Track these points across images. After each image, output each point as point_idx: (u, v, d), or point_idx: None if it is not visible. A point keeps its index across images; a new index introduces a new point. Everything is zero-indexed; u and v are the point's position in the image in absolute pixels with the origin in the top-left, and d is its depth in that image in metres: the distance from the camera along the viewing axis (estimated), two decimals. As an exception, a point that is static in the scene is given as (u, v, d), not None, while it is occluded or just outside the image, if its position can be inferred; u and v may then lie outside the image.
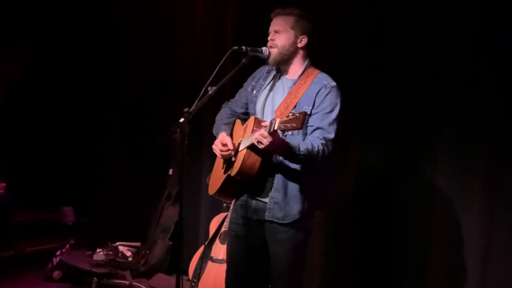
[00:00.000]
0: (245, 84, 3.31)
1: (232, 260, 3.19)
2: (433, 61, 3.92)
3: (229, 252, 3.22)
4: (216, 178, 3.18)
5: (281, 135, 2.72)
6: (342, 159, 4.22)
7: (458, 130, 3.84)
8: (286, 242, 2.99)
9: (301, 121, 2.55)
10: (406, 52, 4.01)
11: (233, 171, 2.92)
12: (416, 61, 3.98)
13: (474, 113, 3.76)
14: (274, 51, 3.05)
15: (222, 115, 3.31)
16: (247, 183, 2.97)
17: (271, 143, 2.67)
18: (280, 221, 2.98)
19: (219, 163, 3.21)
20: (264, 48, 3.06)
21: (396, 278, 4.09)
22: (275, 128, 2.62)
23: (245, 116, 3.24)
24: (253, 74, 3.29)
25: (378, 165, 4.22)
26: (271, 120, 2.68)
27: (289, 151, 2.79)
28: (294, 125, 2.57)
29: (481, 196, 3.73)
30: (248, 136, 2.88)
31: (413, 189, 4.04)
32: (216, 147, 3.08)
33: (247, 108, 3.25)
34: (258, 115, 3.10)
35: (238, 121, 3.22)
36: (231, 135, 3.16)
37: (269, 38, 3.08)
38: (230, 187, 3.07)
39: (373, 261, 4.19)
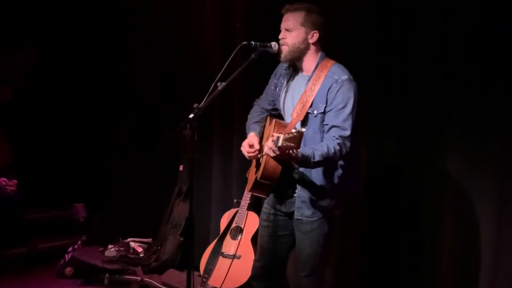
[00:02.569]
0: (269, 81, 3.31)
1: (260, 249, 3.23)
2: (445, 55, 3.89)
3: (259, 241, 3.27)
4: (251, 176, 3.24)
5: None
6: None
7: (469, 124, 3.82)
8: (311, 233, 3.03)
9: (298, 141, 2.57)
10: (417, 46, 3.99)
11: (258, 175, 2.97)
12: (428, 55, 3.95)
13: (486, 106, 3.74)
14: (285, 49, 3.04)
15: (253, 114, 3.31)
16: (274, 185, 3.00)
17: (279, 156, 2.68)
18: (310, 218, 3.01)
19: (254, 162, 3.25)
20: (273, 43, 3.05)
21: (408, 271, 4.07)
22: (279, 145, 2.61)
23: (274, 112, 3.26)
24: (275, 71, 3.28)
25: (389, 159, 4.21)
26: (278, 135, 2.64)
27: (303, 161, 2.79)
28: (292, 145, 2.58)
29: (492, 190, 3.72)
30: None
31: (425, 183, 4.02)
32: (244, 148, 3.08)
33: (274, 105, 3.26)
34: (282, 112, 3.14)
35: (268, 119, 3.23)
36: (262, 132, 3.18)
37: (280, 36, 3.06)
38: (260, 188, 3.10)
39: (384, 255, 4.18)
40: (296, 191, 3.01)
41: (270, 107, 3.27)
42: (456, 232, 3.88)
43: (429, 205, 4.00)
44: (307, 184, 2.98)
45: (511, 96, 3.62)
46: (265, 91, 3.33)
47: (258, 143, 3.06)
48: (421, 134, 4.03)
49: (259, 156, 3.04)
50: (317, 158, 2.77)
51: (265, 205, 3.24)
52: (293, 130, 2.60)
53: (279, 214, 3.13)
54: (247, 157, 3.08)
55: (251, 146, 3.04)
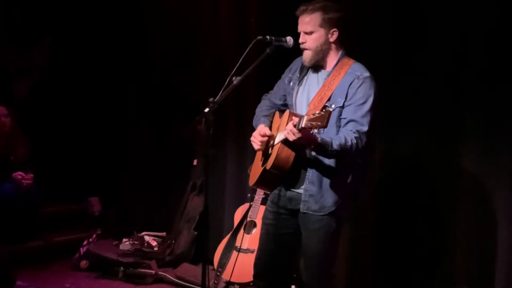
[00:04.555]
0: (283, 76, 3.29)
1: (262, 248, 3.20)
2: (461, 51, 3.88)
3: (260, 240, 3.24)
4: (256, 170, 3.19)
5: (314, 131, 2.70)
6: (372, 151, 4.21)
7: (485, 121, 3.81)
8: (319, 231, 2.99)
9: (326, 120, 2.54)
10: (434, 43, 3.98)
11: (268, 165, 2.93)
12: (445, 50, 3.94)
13: (502, 103, 3.73)
14: (308, 53, 3.01)
15: (262, 107, 3.29)
16: (283, 176, 2.96)
17: (300, 139, 2.67)
18: (316, 213, 2.98)
19: (258, 155, 3.22)
20: (288, 38, 3.04)
21: (423, 267, 4.07)
22: (303, 126, 2.61)
23: (284, 108, 3.21)
24: (290, 66, 3.26)
25: (405, 156, 4.20)
26: (301, 116, 2.66)
27: (321, 147, 2.77)
28: (319, 123, 2.56)
29: (508, 187, 3.70)
30: (283, 130, 2.86)
31: (440, 180, 4.02)
32: (255, 138, 3.06)
33: (285, 100, 3.23)
34: (294, 107, 3.10)
35: (277, 114, 3.21)
36: (270, 127, 3.15)
37: (300, 40, 3.03)
38: (267, 180, 3.06)
39: (400, 252, 4.18)
40: (304, 185, 2.98)
41: (280, 102, 3.25)
42: (472, 227, 3.87)
43: (445, 201, 3.99)
44: (317, 177, 2.96)
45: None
46: (276, 85, 3.31)
47: (270, 133, 3.04)
48: (438, 130, 4.02)
49: (269, 145, 3.02)
50: (335, 147, 2.76)
51: (268, 202, 3.20)
52: (317, 112, 2.58)
53: (283, 212, 3.10)
54: (257, 147, 3.06)
55: (263, 135, 3.02)
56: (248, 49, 2.99)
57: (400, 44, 4.13)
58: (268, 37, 3.02)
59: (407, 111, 4.13)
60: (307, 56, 3.01)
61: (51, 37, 6.30)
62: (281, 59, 3.28)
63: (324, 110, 2.58)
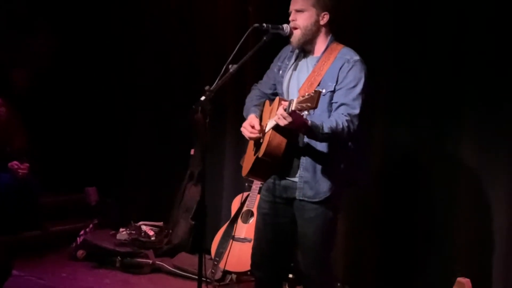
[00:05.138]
0: (271, 65, 3.27)
1: (259, 238, 3.19)
2: (460, 40, 3.87)
3: (256, 229, 3.22)
4: (248, 160, 3.17)
5: (304, 115, 2.68)
6: (368, 137, 4.20)
7: (484, 109, 3.81)
8: (315, 219, 2.97)
9: (316, 100, 2.52)
10: (432, 32, 3.97)
11: (260, 153, 2.91)
12: (443, 40, 3.93)
13: (500, 92, 3.72)
14: (297, 33, 2.99)
15: (252, 97, 3.27)
16: (275, 164, 2.94)
17: (290, 123, 2.65)
18: (311, 200, 2.96)
19: (251, 145, 3.20)
20: (285, 25, 3.01)
21: (422, 258, 4.07)
22: (293, 108, 2.60)
23: (274, 97, 3.19)
24: (279, 55, 3.25)
25: (404, 145, 4.20)
26: (290, 100, 2.66)
27: (313, 131, 2.75)
28: (309, 104, 2.54)
29: (507, 173, 3.70)
30: (274, 117, 2.85)
31: (439, 169, 4.02)
32: (245, 129, 3.05)
33: (275, 89, 3.21)
34: (285, 95, 3.07)
35: (267, 102, 3.19)
36: (260, 116, 3.13)
37: (290, 18, 3.01)
38: (260, 169, 3.03)
39: (398, 241, 4.18)
40: (299, 172, 2.97)
41: (270, 91, 3.24)
42: (471, 217, 3.87)
43: (444, 190, 3.99)
44: (311, 164, 2.95)
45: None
46: (266, 75, 3.29)
47: (259, 124, 3.03)
48: (436, 118, 4.01)
49: (260, 136, 3.01)
50: (326, 130, 2.74)
51: (263, 192, 3.18)
52: (307, 93, 2.57)
53: (279, 201, 3.08)
54: (248, 137, 3.05)
55: (252, 126, 3.01)
56: (244, 37, 2.96)
57: (400, 34, 4.12)
58: (264, 25, 2.99)
59: (405, 98, 4.13)
60: (295, 35, 3.00)
61: (51, 26, 6.25)
62: (279, 47, 3.26)
63: (314, 91, 2.56)
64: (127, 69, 6.11)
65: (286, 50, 3.20)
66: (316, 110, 2.62)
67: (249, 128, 3.02)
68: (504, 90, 3.70)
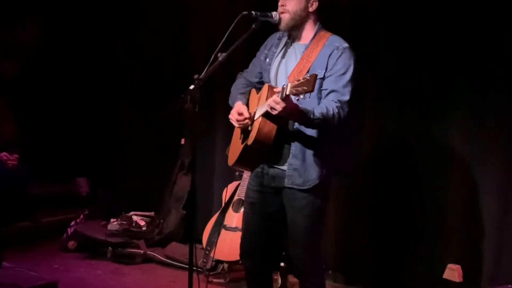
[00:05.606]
0: (258, 53, 3.26)
1: (247, 227, 3.18)
2: (449, 29, 3.88)
3: (245, 219, 3.21)
4: (235, 148, 3.15)
5: (294, 100, 2.68)
6: (358, 126, 4.21)
7: (473, 96, 3.82)
8: (304, 208, 2.98)
9: (312, 84, 2.52)
10: (422, 21, 3.98)
11: (250, 140, 2.89)
12: (433, 29, 3.95)
13: (490, 77, 3.74)
14: (285, 17, 2.98)
15: (238, 85, 3.25)
16: (264, 152, 2.93)
17: (284, 108, 2.65)
18: (300, 187, 2.96)
19: (237, 134, 3.18)
20: (274, 13, 3.00)
21: (412, 243, 4.09)
22: (287, 93, 2.59)
23: (260, 86, 3.18)
24: (265, 42, 3.24)
25: (393, 133, 4.21)
26: (283, 85, 2.65)
27: (304, 116, 2.75)
28: (305, 88, 2.53)
29: (497, 161, 3.73)
30: (263, 104, 2.83)
31: (429, 156, 4.04)
32: (232, 116, 3.04)
33: (261, 77, 3.20)
34: (272, 83, 3.06)
35: (253, 91, 3.18)
36: (247, 105, 3.11)
37: (279, 3, 3.01)
38: (248, 157, 3.02)
39: (389, 227, 4.20)
40: (288, 159, 2.96)
41: (256, 80, 3.22)
42: (461, 204, 3.89)
43: (435, 176, 4.01)
44: (301, 151, 2.94)
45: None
46: (251, 63, 3.28)
47: (247, 111, 3.01)
48: (426, 109, 4.04)
49: (248, 123, 2.99)
50: (317, 115, 2.75)
51: (250, 181, 3.17)
52: (302, 77, 2.56)
53: (267, 190, 3.07)
54: (236, 125, 3.05)
55: (240, 114, 3.00)
56: (233, 24, 2.94)
57: (390, 23, 4.13)
58: (253, 12, 2.97)
59: (395, 85, 4.14)
60: (284, 20, 2.99)
61: (39, 16, 6.19)
62: (268, 35, 3.24)
63: (308, 75, 2.56)
64: (116, 59, 6.07)
65: (272, 38, 3.19)
66: (306, 97, 2.62)
67: (236, 115, 3.01)
68: (493, 79, 3.72)
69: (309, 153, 2.94)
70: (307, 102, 2.77)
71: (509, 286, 3.39)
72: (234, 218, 4.45)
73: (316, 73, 2.60)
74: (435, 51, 3.95)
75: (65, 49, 6.30)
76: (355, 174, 4.25)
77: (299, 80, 2.56)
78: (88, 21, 6.20)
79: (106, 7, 6.10)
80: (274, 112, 2.67)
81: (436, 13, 3.92)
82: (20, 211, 5.20)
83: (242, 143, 3.03)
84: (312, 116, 2.75)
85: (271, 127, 2.84)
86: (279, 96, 2.63)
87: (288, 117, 2.82)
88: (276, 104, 2.65)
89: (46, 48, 6.23)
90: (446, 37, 3.89)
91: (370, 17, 4.21)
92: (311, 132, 2.93)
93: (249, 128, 2.97)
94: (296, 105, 2.70)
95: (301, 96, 2.59)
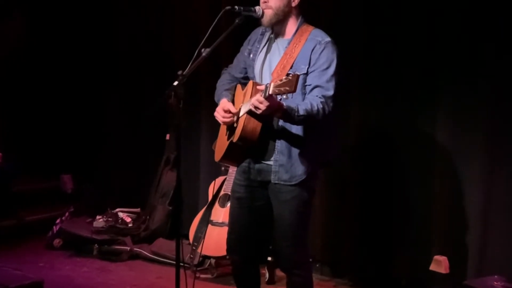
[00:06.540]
0: (241, 49, 3.25)
1: (234, 222, 3.17)
2: (434, 20, 3.89)
3: (231, 214, 3.20)
4: (221, 144, 3.15)
5: (278, 99, 2.67)
6: (343, 119, 4.21)
7: (459, 88, 3.84)
8: (291, 201, 2.97)
9: (295, 84, 2.53)
10: (407, 12, 3.98)
11: (235, 137, 2.89)
12: (417, 21, 3.95)
13: (476, 70, 3.75)
14: (268, 12, 2.96)
15: (223, 81, 3.24)
16: (250, 148, 2.93)
17: (268, 107, 2.64)
18: (287, 183, 2.96)
19: (223, 130, 3.18)
20: (257, 8, 2.98)
21: (398, 235, 4.11)
22: (270, 92, 2.59)
23: (245, 81, 3.17)
24: (249, 38, 3.22)
25: (379, 125, 4.23)
26: (266, 84, 2.64)
27: (288, 114, 2.75)
28: (287, 88, 2.54)
29: (482, 153, 3.75)
30: (248, 101, 2.83)
31: (415, 147, 4.06)
32: (218, 113, 3.03)
33: (246, 73, 3.19)
34: (257, 79, 3.05)
35: (239, 86, 3.17)
36: (232, 101, 3.11)
37: (261, 0, 2.99)
38: (234, 153, 3.03)
39: (375, 219, 4.21)
40: (274, 155, 2.96)
41: (241, 75, 3.22)
42: (447, 195, 3.91)
43: (419, 168, 4.03)
44: (286, 147, 2.95)
45: (502, 58, 3.63)
46: (236, 59, 3.27)
47: (233, 108, 3.01)
48: (411, 98, 4.04)
49: (234, 120, 2.99)
50: (301, 112, 2.75)
51: (237, 176, 3.16)
52: (285, 77, 2.55)
53: (254, 185, 3.07)
54: (222, 122, 3.04)
55: (226, 111, 2.99)
56: (216, 20, 2.93)
57: (373, 15, 4.13)
58: (236, 7, 2.96)
59: (380, 78, 4.14)
60: (267, 15, 2.97)
61: (24, 10, 6.14)
62: (252, 30, 3.23)
63: (291, 75, 2.55)
64: (100, 54, 6.03)
65: (256, 33, 3.18)
66: (288, 96, 2.62)
67: (222, 112, 3.01)
68: (478, 70, 3.73)
69: (295, 149, 2.94)
70: (291, 99, 2.77)
71: (495, 276, 3.42)
72: (221, 213, 4.44)
73: (298, 74, 2.60)
74: (420, 43, 3.96)
75: (50, 45, 6.26)
76: (341, 166, 4.26)
77: (281, 80, 2.55)
78: (74, 17, 6.16)
79: (89, 3, 6.05)
80: (258, 111, 2.68)
81: (421, 5, 3.92)
82: (4, 209, 5.16)
83: (228, 139, 3.03)
84: (296, 113, 2.75)
85: (255, 125, 2.84)
86: (262, 95, 2.63)
87: (273, 115, 2.82)
88: (259, 103, 2.65)
89: (31, 44, 6.18)
90: (431, 29, 3.90)
91: (354, 8, 4.21)
92: (296, 128, 2.93)
93: (235, 125, 2.97)
94: (280, 104, 2.70)
95: (284, 96, 2.60)
